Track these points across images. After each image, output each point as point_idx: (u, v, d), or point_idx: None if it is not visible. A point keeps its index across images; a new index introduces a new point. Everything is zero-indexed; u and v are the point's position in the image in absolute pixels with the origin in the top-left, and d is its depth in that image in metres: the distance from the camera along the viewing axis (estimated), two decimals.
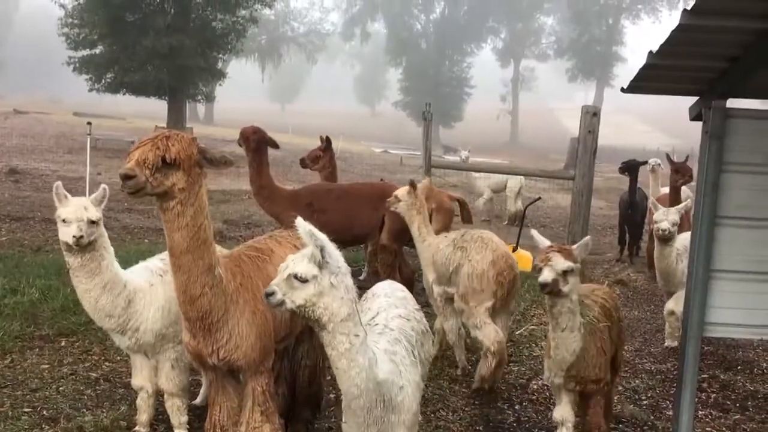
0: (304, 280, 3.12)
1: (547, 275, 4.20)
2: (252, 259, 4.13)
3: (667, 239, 7.25)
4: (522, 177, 16.18)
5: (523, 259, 11.13)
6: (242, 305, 3.85)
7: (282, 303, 3.15)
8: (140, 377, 4.65)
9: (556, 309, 4.33)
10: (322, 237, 3.18)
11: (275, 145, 7.79)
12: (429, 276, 6.43)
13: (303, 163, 8.97)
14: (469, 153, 17.38)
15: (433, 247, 6.36)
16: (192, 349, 3.88)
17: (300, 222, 3.21)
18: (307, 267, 3.14)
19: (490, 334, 5.78)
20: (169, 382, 4.59)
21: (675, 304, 7.41)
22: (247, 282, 3.95)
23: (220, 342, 3.81)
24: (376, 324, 3.73)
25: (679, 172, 10.01)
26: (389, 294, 4.11)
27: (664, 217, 7.24)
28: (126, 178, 3.35)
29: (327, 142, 9.19)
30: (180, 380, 4.63)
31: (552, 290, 4.21)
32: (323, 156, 8.84)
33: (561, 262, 4.20)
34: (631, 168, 11.91)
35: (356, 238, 8.23)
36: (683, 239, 7.41)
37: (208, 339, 3.79)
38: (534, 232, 4.63)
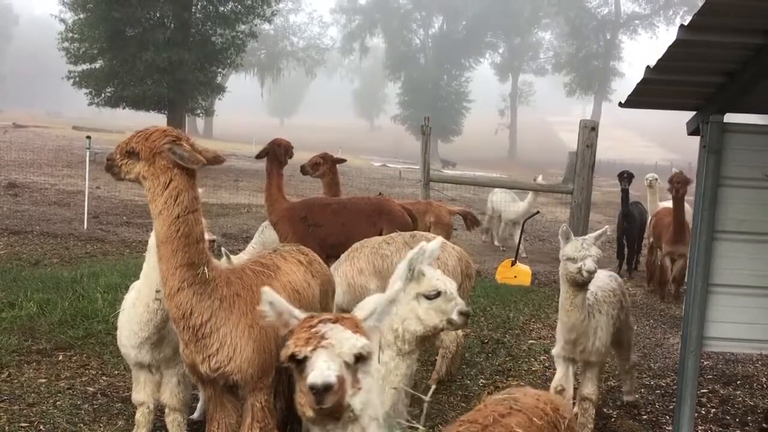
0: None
1: (327, 371, 2.13)
2: (256, 273, 4.10)
3: (587, 284, 4.94)
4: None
5: (522, 273, 11.17)
6: (237, 315, 3.81)
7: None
8: (143, 393, 4.61)
9: None
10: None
11: (285, 161, 7.88)
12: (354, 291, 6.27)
13: (303, 169, 8.93)
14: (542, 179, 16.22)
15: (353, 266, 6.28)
16: (186, 358, 3.87)
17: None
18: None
19: (451, 333, 6.07)
20: (173, 398, 4.56)
21: (585, 386, 5.28)
22: (246, 294, 3.90)
23: (210, 350, 3.77)
24: None
25: (671, 181, 10.11)
26: None
27: (585, 253, 4.78)
28: (107, 159, 3.82)
29: (326, 156, 9.15)
30: (184, 396, 4.61)
31: (339, 404, 2.16)
32: (323, 163, 8.82)
33: (349, 339, 2.23)
34: (627, 178, 11.93)
35: None
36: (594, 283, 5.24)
37: (197, 345, 3.76)
38: (270, 294, 2.44)
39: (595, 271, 4.74)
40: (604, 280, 5.58)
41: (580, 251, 4.78)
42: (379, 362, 3.14)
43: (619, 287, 5.70)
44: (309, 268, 4.52)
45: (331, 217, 7.61)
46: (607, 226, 5.33)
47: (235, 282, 3.92)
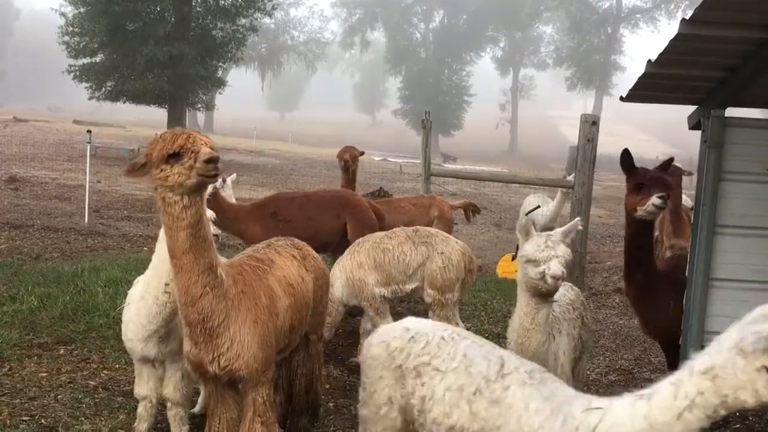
0: None
1: None
2: (253, 269, 4.10)
3: (552, 294, 3.98)
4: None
5: None
6: (244, 313, 3.81)
7: None
8: (146, 387, 4.60)
9: None
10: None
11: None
12: (350, 283, 6.32)
13: (346, 164, 8.88)
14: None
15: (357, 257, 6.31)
16: (193, 358, 3.84)
17: None
18: None
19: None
20: (177, 392, 4.55)
21: None
22: (249, 290, 3.91)
23: (221, 349, 3.76)
24: (526, 372, 3.18)
25: None
26: (465, 336, 3.49)
27: (551, 253, 3.86)
28: (217, 160, 3.38)
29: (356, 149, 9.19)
30: (187, 390, 4.61)
31: None
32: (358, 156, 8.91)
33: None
34: None
35: (321, 246, 7.97)
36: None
37: (209, 345, 3.75)
38: None
39: (562, 277, 3.83)
40: (560, 291, 4.41)
41: (544, 251, 3.87)
42: (678, 418, 2.66)
43: (578, 298, 4.78)
44: (303, 262, 4.54)
45: (297, 211, 7.54)
46: (578, 219, 4.38)
47: (239, 280, 3.91)
